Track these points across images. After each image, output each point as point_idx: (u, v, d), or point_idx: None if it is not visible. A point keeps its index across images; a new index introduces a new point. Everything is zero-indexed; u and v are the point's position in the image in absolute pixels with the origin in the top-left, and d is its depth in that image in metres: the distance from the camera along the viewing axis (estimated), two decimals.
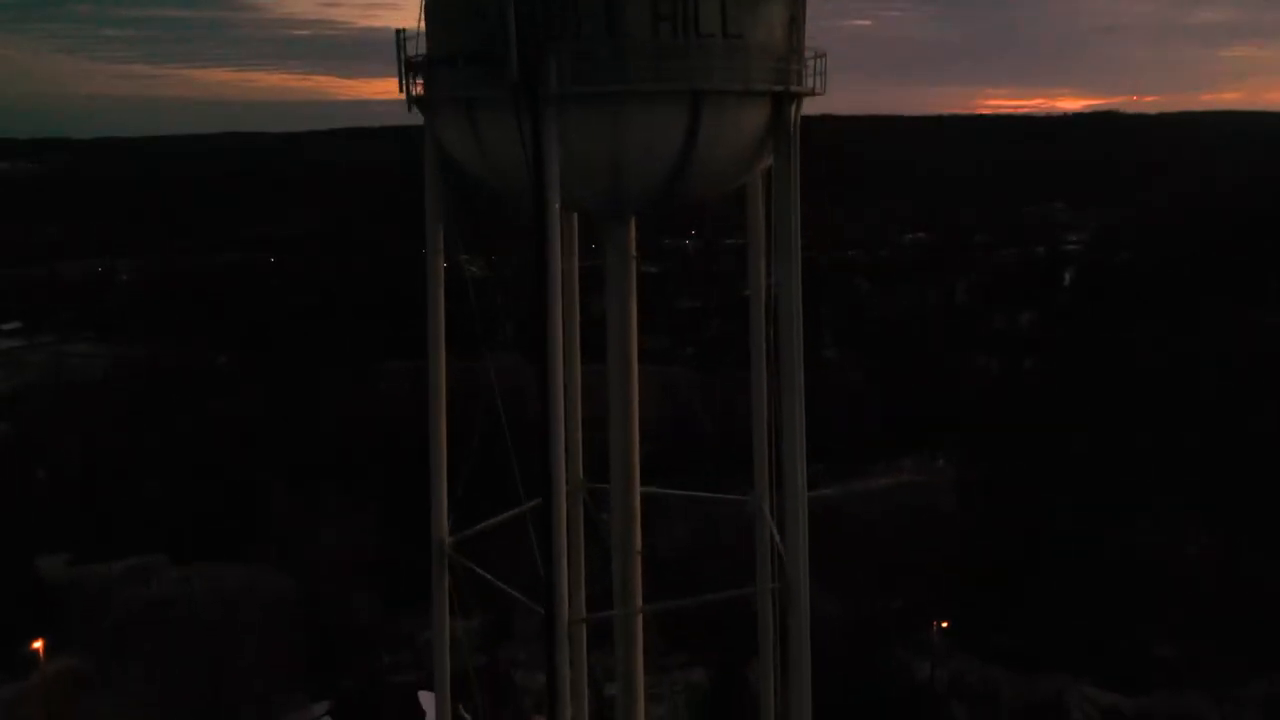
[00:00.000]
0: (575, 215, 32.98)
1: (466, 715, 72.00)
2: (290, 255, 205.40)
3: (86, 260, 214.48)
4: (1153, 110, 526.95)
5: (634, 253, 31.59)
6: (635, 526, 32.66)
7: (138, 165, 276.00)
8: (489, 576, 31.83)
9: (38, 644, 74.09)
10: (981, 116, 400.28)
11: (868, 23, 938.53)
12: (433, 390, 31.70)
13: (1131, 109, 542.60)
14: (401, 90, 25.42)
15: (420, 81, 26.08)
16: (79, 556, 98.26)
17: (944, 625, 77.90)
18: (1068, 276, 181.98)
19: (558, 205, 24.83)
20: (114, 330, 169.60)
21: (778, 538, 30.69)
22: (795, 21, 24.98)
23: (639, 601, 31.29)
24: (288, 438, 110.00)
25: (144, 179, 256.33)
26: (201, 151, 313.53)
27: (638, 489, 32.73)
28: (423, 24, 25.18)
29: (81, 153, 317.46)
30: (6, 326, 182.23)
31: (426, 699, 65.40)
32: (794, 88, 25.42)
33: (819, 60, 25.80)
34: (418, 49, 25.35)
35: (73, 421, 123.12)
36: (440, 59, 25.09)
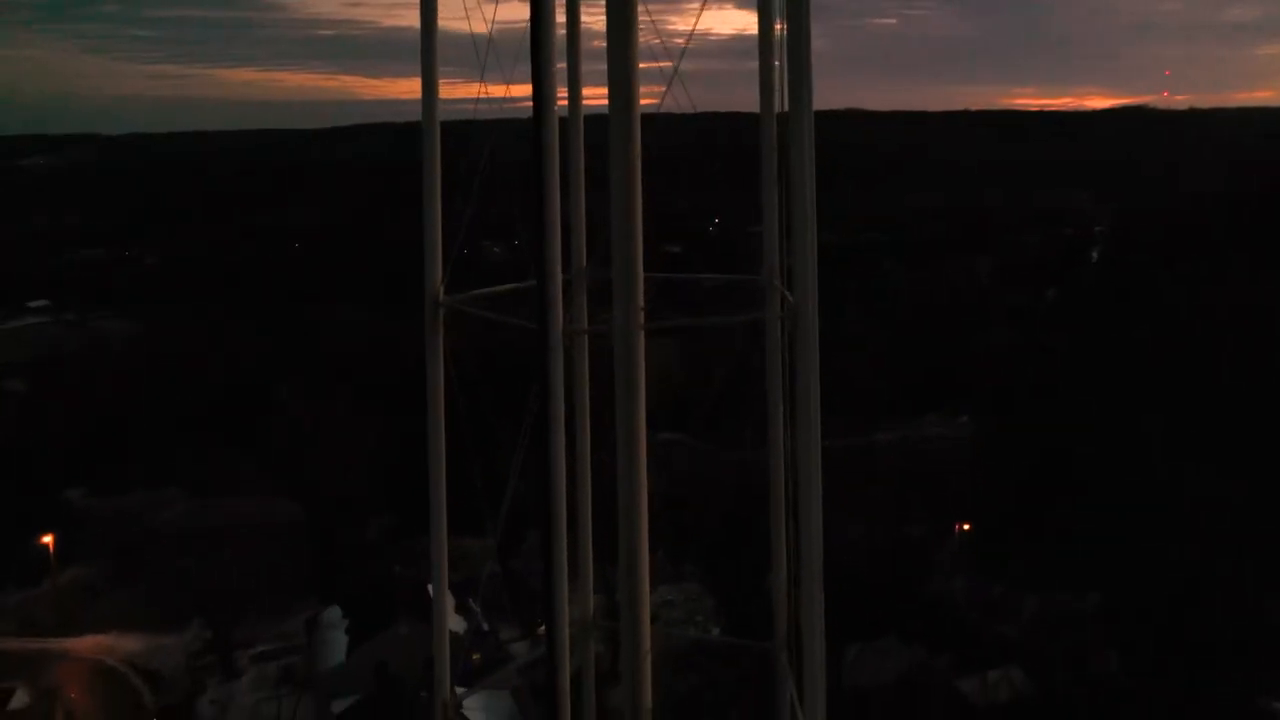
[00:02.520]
0: None
1: (476, 606, 71.49)
2: (314, 241, 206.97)
3: (113, 246, 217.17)
4: (1184, 108, 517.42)
5: None
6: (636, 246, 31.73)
7: (166, 160, 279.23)
8: (490, 315, 31.23)
9: (47, 538, 74.26)
10: (1008, 113, 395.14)
11: (893, 21, 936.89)
12: (426, 128, 31.08)
13: (1162, 105, 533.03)
14: None
15: None
16: (98, 490, 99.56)
17: (965, 528, 76.85)
18: (1094, 254, 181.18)
19: None
20: (138, 307, 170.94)
21: (789, 295, 30.19)
22: None
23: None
24: (303, 373, 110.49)
25: (171, 172, 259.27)
26: (229, 147, 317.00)
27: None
28: None
29: (110, 148, 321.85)
30: (34, 304, 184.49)
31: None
32: None
33: None
34: None
35: (93, 379, 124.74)
36: None
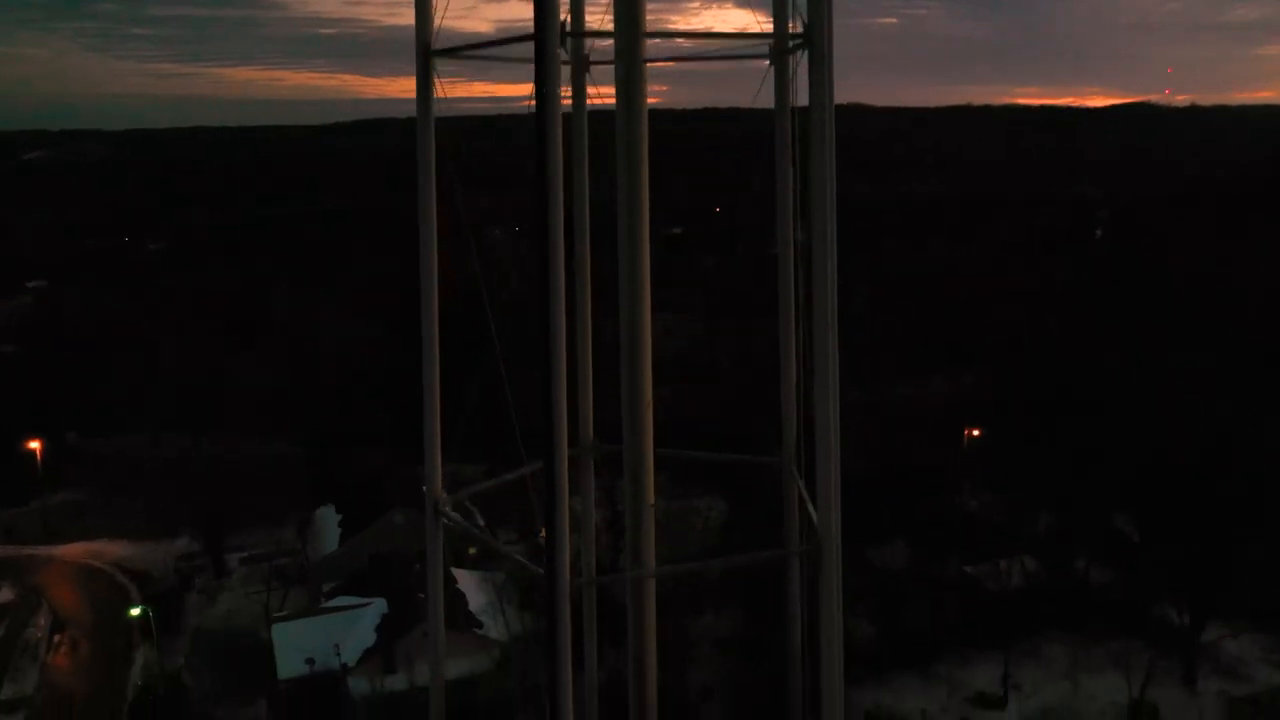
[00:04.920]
0: None
1: (474, 509, 69.73)
2: (313, 229, 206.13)
3: (113, 234, 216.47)
4: (1184, 105, 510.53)
5: None
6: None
7: (166, 155, 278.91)
8: (484, 57, 30.10)
9: (34, 444, 72.73)
10: (1010, 108, 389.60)
11: (894, 21, 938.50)
12: None
13: (1163, 103, 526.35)
14: None
15: None
16: (94, 433, 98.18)
17: (975, 433, 75.01)
18: (1099, 232, 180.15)
19: None
20: (138, 287, 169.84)
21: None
22: None
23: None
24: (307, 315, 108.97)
25: (172, 166, 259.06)
26: (228, 141, 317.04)
27: None
28: None
29: (111, 143, 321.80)
30: (32, 285, 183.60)
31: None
32: None
33: None
34: None
35: (90, 338, 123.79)
36: None
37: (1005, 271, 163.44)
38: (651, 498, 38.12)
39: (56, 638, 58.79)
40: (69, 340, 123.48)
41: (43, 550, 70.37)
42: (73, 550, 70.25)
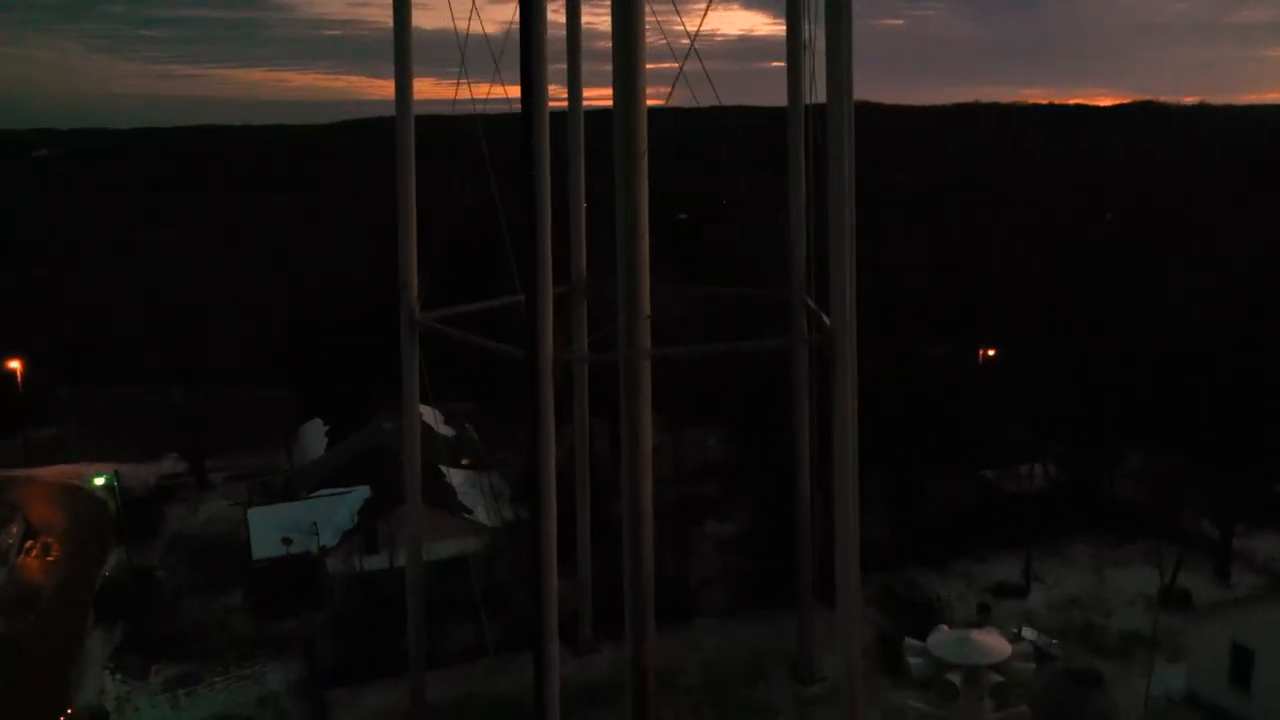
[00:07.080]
0: None
1: (472, 432, 66.95)
2: (320, 222, 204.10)
3: (120, 227, 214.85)
4: (1193, 105, 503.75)
5: None
6: None
7: (171, 152, 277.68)
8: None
9: (14, 364, 70.42)
10: (1018, 106, 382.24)
11: (899, 22, 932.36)
12: None
13: (1171, 103, 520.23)
14: None
15: None
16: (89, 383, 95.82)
17: (991, 353, 72.11)
18: (1109, 215, 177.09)
19: None
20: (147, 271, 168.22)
21: None
22: None
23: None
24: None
25: (177, 162, 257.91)
26: (232, 140, 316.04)
27: None
28: None
29: (118, 140, 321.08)
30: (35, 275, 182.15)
31: (426, 412, 60.91)
32: None
33: None
34: None
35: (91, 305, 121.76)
36: None
37: (1009, 270, 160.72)
38: (647, 309, 35.03)
39: (28, 544, 56.13)
40: (65, 310, 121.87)
41: (22, 472, 67.94)
42: (53, 471, 67.84)
